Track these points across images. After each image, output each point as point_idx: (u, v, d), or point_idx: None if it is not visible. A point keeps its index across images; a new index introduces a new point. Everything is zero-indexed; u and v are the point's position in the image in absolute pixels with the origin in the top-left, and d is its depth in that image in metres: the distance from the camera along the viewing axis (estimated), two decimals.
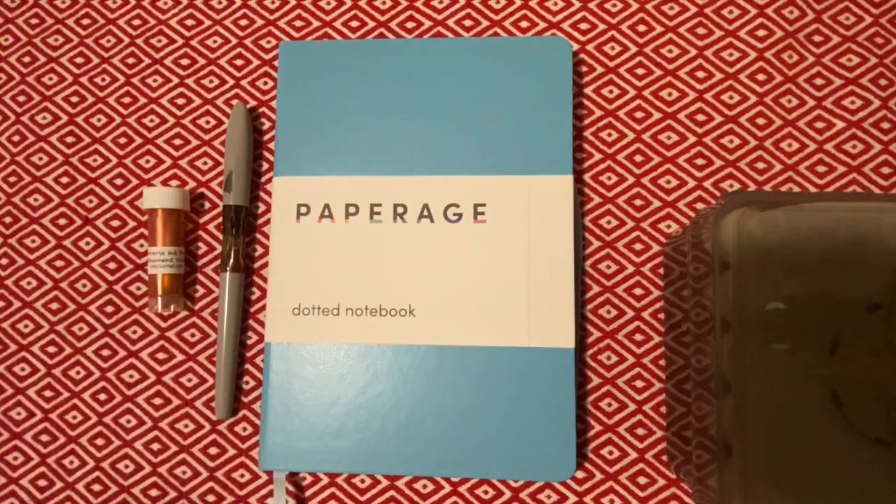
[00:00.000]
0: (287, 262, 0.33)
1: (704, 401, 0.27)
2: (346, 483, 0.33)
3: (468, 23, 0.36)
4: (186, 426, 0.34)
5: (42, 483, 0.34)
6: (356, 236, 0.33)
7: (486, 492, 0.33)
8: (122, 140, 0.37)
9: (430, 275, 0.33)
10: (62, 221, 0.36)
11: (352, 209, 0.33)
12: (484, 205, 0.33)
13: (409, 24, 0.36)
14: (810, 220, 0.25)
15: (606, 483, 0.32)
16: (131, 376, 0.35)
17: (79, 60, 0.37)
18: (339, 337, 0.33)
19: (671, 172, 0.34)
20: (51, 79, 0.37)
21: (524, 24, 0.36)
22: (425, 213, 0.33)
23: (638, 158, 0.35)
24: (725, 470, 0.24)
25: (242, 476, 0.34)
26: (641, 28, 0.35)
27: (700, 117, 0.35)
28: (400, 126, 0.34)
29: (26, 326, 0.35)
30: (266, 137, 0.36)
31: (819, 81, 0.34)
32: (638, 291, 0.34)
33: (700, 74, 0.35)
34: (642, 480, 0.32)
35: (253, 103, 0.36)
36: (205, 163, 0.36)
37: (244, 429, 0.34)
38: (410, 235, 0.33)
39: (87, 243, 0.36)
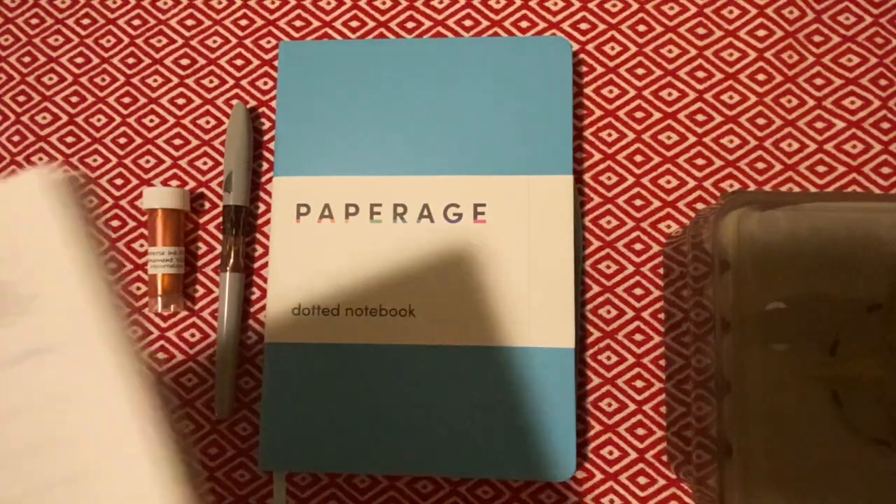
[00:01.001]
0: (287, 262, 0.33)
1: (704, 401, 0.27)
2: (346, 483, 0.33)
3: (468, 23, 0.36)
4: (186, 426, 0.34)
5: None
6: (356, 236, 0.33)
7: (485, 492, 0.33)
8: (122, 140, 0.37)
9: (430, 275, 0.33)
10: None
11: (352, 209, 0.33)
12: (484, 205, 0.33)
13: (409, 24, 0.36)
14: (810, 220, 0.25)
15: (606, 483, 0.32)
16: None
17: (79, 60, 0.37)
18: (339, 337, 0.32)
19: (671, 172, 0.34)
20: (51, 79, 0.37)
21: (524, 24, 0.36)
22: (425, 213, 0.33)
23: (638, 158, 0.35)
24: (725, 470, 0.24)
25: (242, 476, 0.34)
26: (641, 28, 0.35)
27: (700, 117, 0.35)
28: (400, 126, 0.34)
29: None
30: (266, 137, 0.36)
31: (819, 81, 0.34)
32: (638, 291, 0.34)
33: (700, 74, 0.35)
34: (642, 480, 0.32)
35: (253, 103, 0.36)
36: (205, 163, 0.36)
37: (244, 429, 0.34)
38: (410, 235, 0.33)
39: None
